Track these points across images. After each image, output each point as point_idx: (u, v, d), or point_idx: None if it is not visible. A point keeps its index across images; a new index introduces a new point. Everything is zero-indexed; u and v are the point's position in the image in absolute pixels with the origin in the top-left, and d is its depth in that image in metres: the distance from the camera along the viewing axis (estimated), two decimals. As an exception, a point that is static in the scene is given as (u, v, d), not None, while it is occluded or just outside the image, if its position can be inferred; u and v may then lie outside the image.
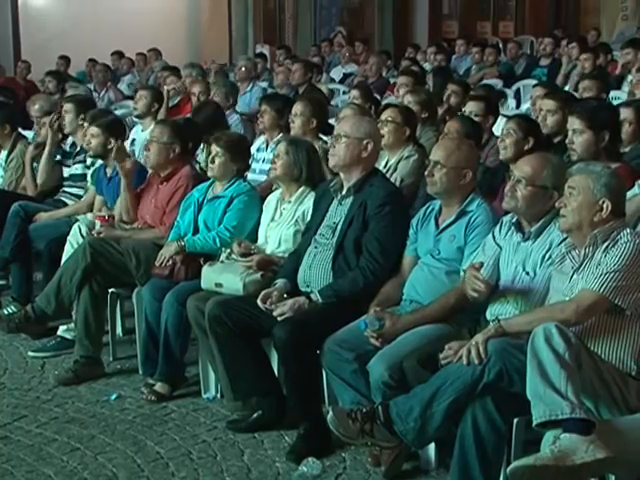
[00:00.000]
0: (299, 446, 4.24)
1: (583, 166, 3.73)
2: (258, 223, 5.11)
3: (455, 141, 4.66)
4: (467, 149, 4.36)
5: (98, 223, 5.62)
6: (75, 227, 5.75)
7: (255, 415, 4.51)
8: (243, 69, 10.16)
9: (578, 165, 3.80)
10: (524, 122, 5.10)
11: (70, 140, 6.82)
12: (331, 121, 6.62)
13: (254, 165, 6.10)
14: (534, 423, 3.23)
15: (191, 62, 10.35)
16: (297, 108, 6.04)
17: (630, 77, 9.05)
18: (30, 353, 5.57)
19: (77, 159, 6.59)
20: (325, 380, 4.33)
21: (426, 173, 4.29)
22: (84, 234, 5.63)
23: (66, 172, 6.66)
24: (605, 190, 3.58)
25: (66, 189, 6.59)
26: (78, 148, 6.63)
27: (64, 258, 5.57)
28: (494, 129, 6.10)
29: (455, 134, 5.34)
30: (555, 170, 3.90)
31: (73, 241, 5.66)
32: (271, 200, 5.12)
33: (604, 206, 3.58)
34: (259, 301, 4.42)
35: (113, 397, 4.94)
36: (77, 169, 6.57)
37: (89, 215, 6.06)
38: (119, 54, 13.35)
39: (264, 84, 11.10)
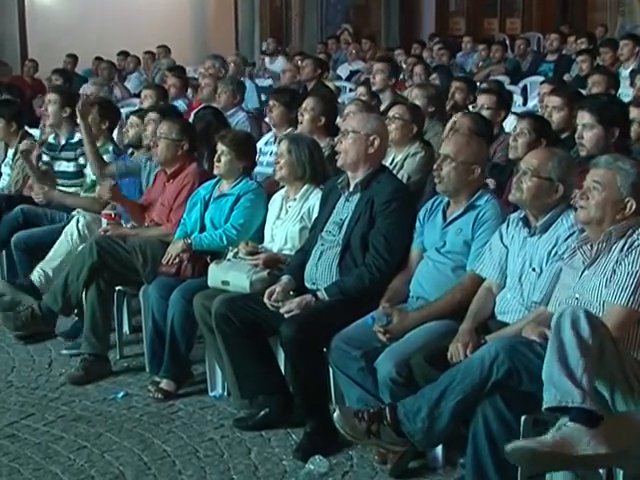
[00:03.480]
0: (306, 444, 4.23)
1: (612, 160, 3.62)
2: (265, 221, 5.10)
3: (465, 137, 4.65)
4: (477, 145, 4.36)
5: (105, 221, 5.60)
6: (74, 220, 5.77)
7: (262, 413, 4.50)
8: (232, 65, 10.09)
9: (606, 158, 3.67)
10: (537, 122, 5.06)
11: (50, 133, 6.83)
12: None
13: (262, 158, 6.13)
14: (543, 407, 3.17)
15: (214, 54, 10.32)
16: (308, 103, 6.01)
17: (624, 72, 9.05)
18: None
19: (63, 155, 6.57)
20: (332, 378, 4.32)
21: (435, 167, 4.28)
22: (80, 227, 5.66)
23: (56, 166, 6.62)
24: (632, 189, 3.52)
25: (59, 187, 6.51)
26: (63, 142, 6.59)
27: (56, 247, 5.66)
28: (504, 125, 6.10)
29: (466, 130, 5.32)
30: (561, 163, 3.89)
31: (68, 231, 5.69)
32: (276, 199, 5.11)
33: (628, 205, 3.53)
34: (265, 298, 4.43)
35: (120, 395, 4.93)
36: (69, 167, 6.54)
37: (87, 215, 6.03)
38: (125, 54, 13.33)
39: (269, 81, 11.07)
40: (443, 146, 4.34)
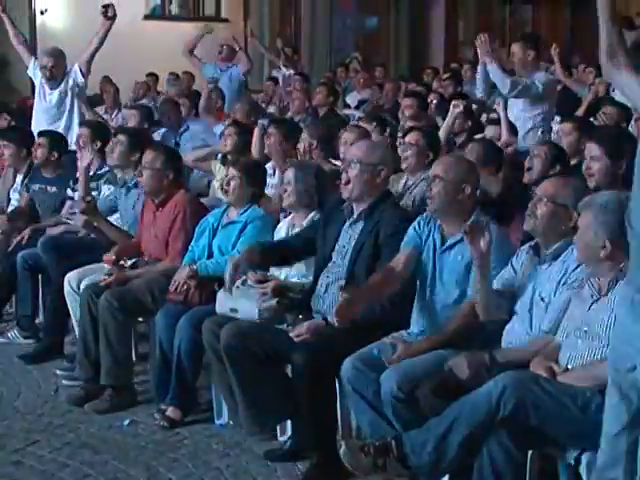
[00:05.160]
0: (312, 474, 4.21)
1: (589, 200, 3.61)
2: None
3: (455, 156, 4.70)
4: (467, 165, 4.36)
5: (107, 266, 5.46)
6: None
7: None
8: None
9: (586, 200, 3.65)
10: (554, 148, 5.21)
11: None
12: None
13: None
14: None
15: (217, 85, 10.40)
16: (304, 138, 6.10)
17: None
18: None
19: None
20: (339, 409, 4.29)
21: (425, 188, 4.27)
22: None
23: None
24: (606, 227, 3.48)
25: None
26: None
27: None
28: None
29: (476, 158, 5.36)
30: (577, 191, 3.90)
31: None
32: (282, 226, 5.12)
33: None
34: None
35: (126, 423, 4.91)
36: None
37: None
38: (154, 76, 13.33)
39: (271, 108, 11.03)
40: (433, 168, 4.32)
